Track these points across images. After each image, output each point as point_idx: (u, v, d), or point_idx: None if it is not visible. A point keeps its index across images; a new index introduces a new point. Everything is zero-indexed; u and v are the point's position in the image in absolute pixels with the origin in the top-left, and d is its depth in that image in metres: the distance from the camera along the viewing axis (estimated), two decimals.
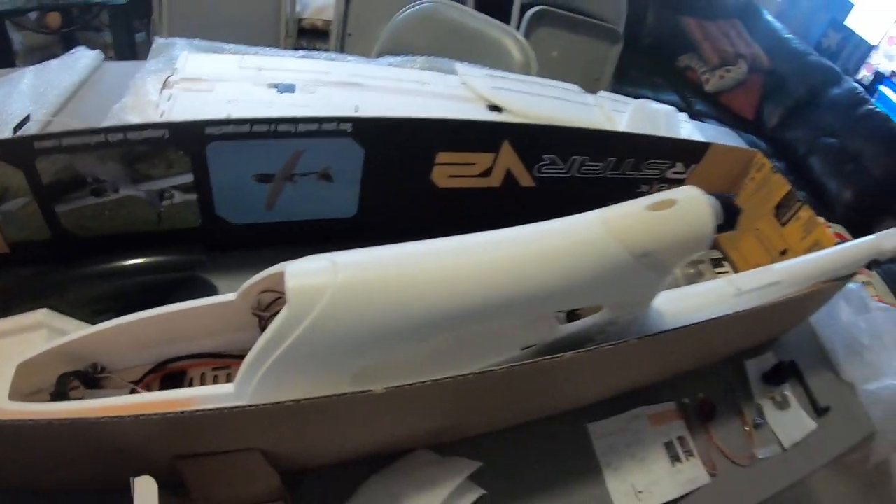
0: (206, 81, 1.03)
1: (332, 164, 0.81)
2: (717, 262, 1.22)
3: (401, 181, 0.90)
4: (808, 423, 1.03)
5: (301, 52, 1.35)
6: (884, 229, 1.04)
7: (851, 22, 4.05)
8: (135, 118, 0.99)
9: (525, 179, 0.97)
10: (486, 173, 0.93)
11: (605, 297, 0.66)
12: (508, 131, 0.91)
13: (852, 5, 4.04)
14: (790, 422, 1.01)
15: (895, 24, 4.20)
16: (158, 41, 1.25)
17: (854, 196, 2.98)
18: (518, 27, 2.62)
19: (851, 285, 1.38)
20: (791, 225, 1.14)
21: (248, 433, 0.54)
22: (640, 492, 0.80)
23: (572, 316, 0.74)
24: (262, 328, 0.60)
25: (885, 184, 2.94)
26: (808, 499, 2.22)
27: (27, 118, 1.00)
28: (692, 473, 0.85)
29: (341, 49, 2.47)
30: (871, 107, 3.17)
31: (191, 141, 0.75)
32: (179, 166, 0.76)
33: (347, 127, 0.79)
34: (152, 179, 0.77)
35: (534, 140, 0.94)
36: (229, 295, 0.62)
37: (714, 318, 0.73)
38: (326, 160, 0.81)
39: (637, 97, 3.04)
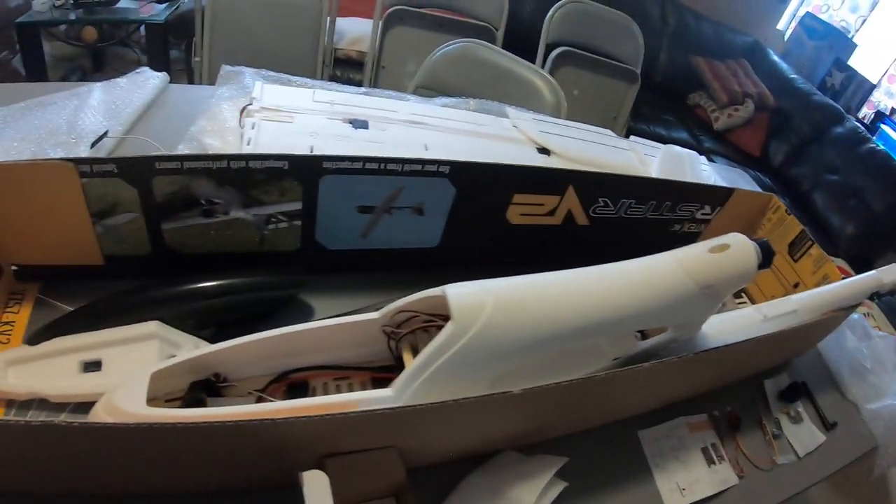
0: (286, 112, 1.09)
1: (426, 200, 0.90)
2: (737, 294, 1.37)
3: (481, 217, 0.99)
4: (819, 436, 1.17)
5: (363, 89, 1.44)
6: (885, 262, 1.19)
7: (854, 62, 4.24)
8: (215, 142, 1.06)
9: (581, 219, 1.08)
10: (552, 213, 1.04)
11: (674, 319, 0.82)
12: (573, 177, 1.02)
13: (856, 45, 4.23)
14: (803, 434, 1.15)
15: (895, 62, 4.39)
16: (226, 68, 1.32)
17: (856, 230, 3.15)
18: (543, 66, 2.76)
19: (854, 315, 1.54)
20: (803, 261, 1.29)
21: (392, 432, 0.62)
22: (683, 489, 0.93)
23: (643, 335, 0.90)
24: (391, 344, 0.73)
25: (886, 219, 3.11)
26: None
27: (105, 134, 1.04)
28: (725, 475, 0.99)
29: (375, 80, 2.58)
30: (872, 145, 3.35)
31: (307, 173, 0.81)
32: (291, 195, 0.82)
33: (446, 169, 0.88)
34: (263, 205, 0.82)
35: (593, 185, 1.06)
36: (372, 314, 0.72)
37: (746, 340, 0.88)
38: (422, 196, 0.89)
39: (650, 134, 3.25)
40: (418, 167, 0.86)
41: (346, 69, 2.84)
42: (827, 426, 1.22)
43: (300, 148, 1.01)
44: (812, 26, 4.23)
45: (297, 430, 0.56)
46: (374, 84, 2.60)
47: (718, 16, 4.00)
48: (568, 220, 1.09)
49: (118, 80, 1.22)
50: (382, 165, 0.84)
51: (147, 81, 1.24)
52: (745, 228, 1.38)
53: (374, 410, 0.58)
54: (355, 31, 2.87)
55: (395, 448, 0.63)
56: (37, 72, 2.63)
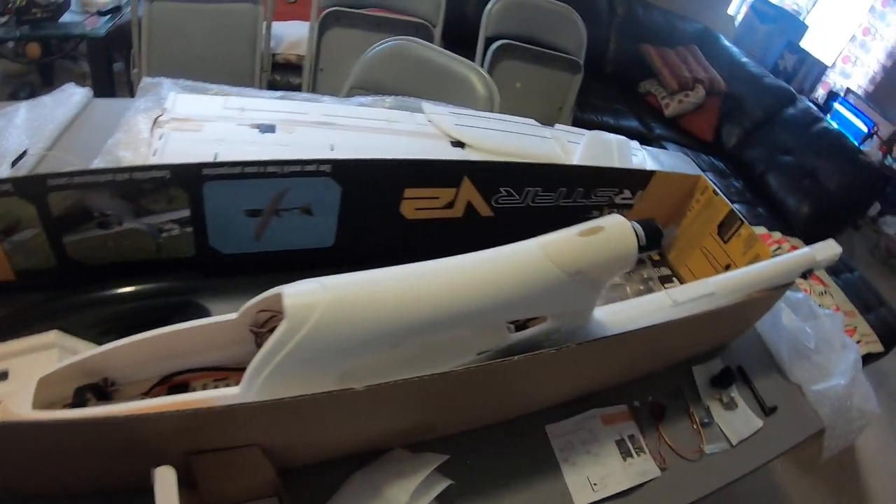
0: (195, 122, 1.09)
1: (313, 200, 0.90)
2: (667, 279, 1.32)
3: (373, 214, 0.98)
4: (755, 422, 1.12)
5: (279, 93, 1.41)
6: (842, 240, 1.14)
7: (806, 44, 4.23)
8: (128, 154, 1.05)
9: (484, 210, 1.05)
10: (450, 205, 1.01)
11: (546, 309, 0.76)
12: (468, 168, 0.99)
13: (807, 27, 4.22)
14: (737, 421, 1.10)
15: (849, 43, 4.40)
16: (146, 80, 1.30)
17: (811, 210, 3.12)
18: (482, 60, 2.71)
19: (798, 295, 1.49)
20: (733, 242, 1.24)
21: (249, 429, 0.63)
22: (595, 484, 0.88)
23: (523, 327, 0.83)
24: (258, 343, 0.70)
25: (840, 197, 3.08)
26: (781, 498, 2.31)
27: (24, 153, 1.05)
28: (643, 467, 0.93)
29: (313, 83, 2.54)
30: (824, 125, 3.33)
31: (189, 180, 0.82)
32: (178, 202, 0.83)
33: (327, 168, 0.87)
34: (154, 214, 0.84)
35: (491, 175, 1.02)
36: (231, 315, 0.69)
37: (650, 326, 0.83)
38: (308, 197, 0.89)
39: (599, 124, 3.20)
40: (298, 168, 0.85)
41: (286, 73, 2.81)
42: (766, 411, 1.16)
43: (205, 156, 1.00)
44: (763, 10, 4.22)
45: (153, 427, 0.57)
46: (313, 87, 2.55)
47: (668, 4, 3.98)
48: (470, 212, 1.05)
49: (43, 97, 1.23)
50: (262, 168, 0.84)
51: (70, 98, 1.25)
52: (673, 211, 1.34)
53: (217, 407, 0.58)
54: (294, 34, 2.82)
55: (257, 446, 0.64)
56: None
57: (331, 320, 0.60)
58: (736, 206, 1.27)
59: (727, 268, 1.24)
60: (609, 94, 3.62)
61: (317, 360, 0.61)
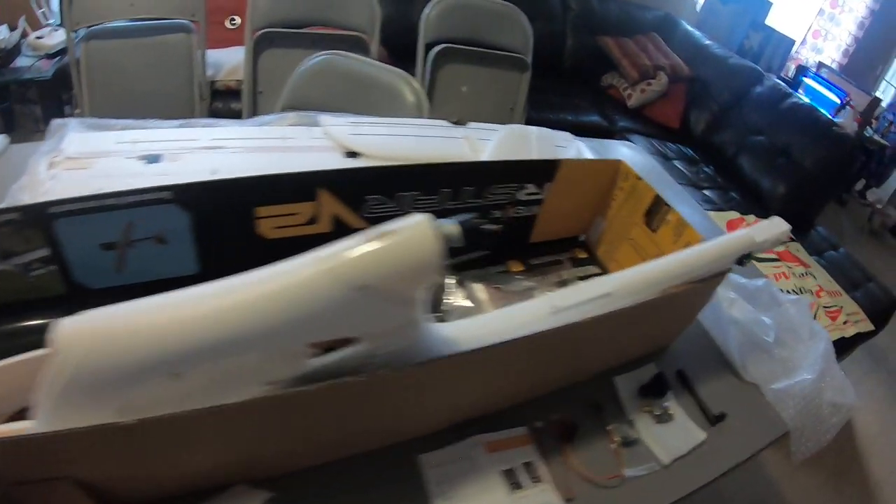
0: (85, 159, 1.08)
1: (163, 228, 0.85)
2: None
3: (230, 237, 0.91)
4: (697, 434, 0.97)
5: (178, 122, 1.35)
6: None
7: (772, 21, 4.11)
8: (26, 197, 1.02)
9: (355, 222, 0.96)
10: (312, 221, 0.93)
11: (342, 330, 0.64)
12: (322, 179, 0.91)
13: (771, 4, 4.10)
14: (673, 435, 0.96)
15: (818, 17, 4.27)
16: (54, 122, 1.26)
17: (788, 189, 2.97)
18: (423, 67, 2.60)
19: (758, 282, 1.34)
20: (662, 230, 1.10)
21: (54, 461, 0.59)
22: None
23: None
24: None
25: (817, 172, 2.93)
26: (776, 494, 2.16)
27: None
28: (539, 499, 0.80)
29: (254, 107, 2.47)
30: (794, 100, 3.19)
31: (40, 220, 0.80)
32: (35, 242, 0.82)
33: (167, 195, 0.82)
34: (18, 255, 0.82)
35: (353, 184, 0.93)
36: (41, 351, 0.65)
37: (513, 340, 0.71)
38: (157, 226, 0.84)
39: (557, 122, 3.07)
40: (138, 198, 0.82)
41: (228, 100, 2.78)
42: (711, 419, 1.02)
43: (90, 192, 0.96)
44: None
45: None
46: (254, 111, 2.48)
47: None
48: (339, 226, 0.95)
49: None
50: (102, 202, 0.82)
51: None
52: (597, 201, 1.22)
53: (9, 437, 0.55)
54: (233, 60, 2.77)
55: (70, 479, 0.61)
56: None
57: (100, 350, 0.56)
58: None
59: None
60: (569, 90, 3.49)
61: (93, 392, 0.57)
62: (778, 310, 1.29)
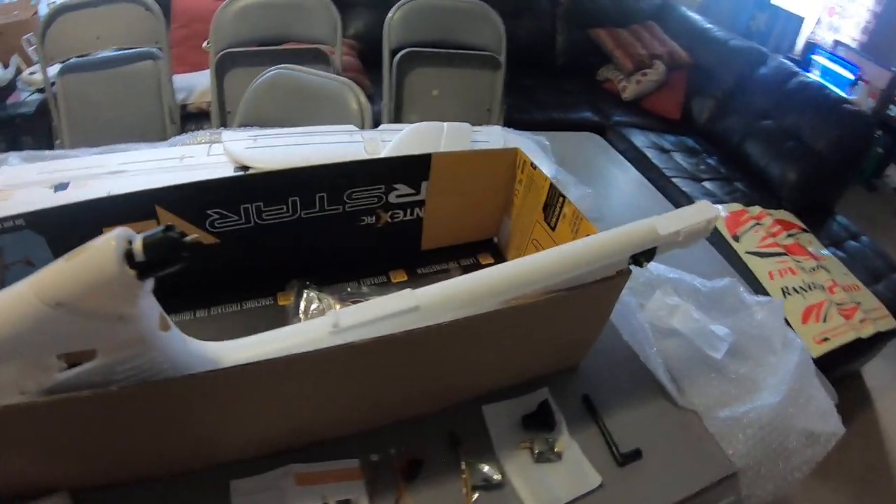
0: (9, 190, 1.12)
1: (28, 252, 0.85)
2: None
3: None
4: (590, 478, 0.78)
5: (100, 149, 1.40)
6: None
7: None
8: None
9: (205, 237, 0.90)
10: None
11: (75, 344, 0.61)
12: (156, 197, 0.85)
13: None
14: (555, 478, 0.77)
15: None
16: (3, 157, 1.32)
17: (799, 176, 2.72)
18: (389, 74, 2.47)
19: (721, 282, 1.14)
20: (560, 225, 0.93)
21: None
22: None
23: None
24: None
25: (830, 156, 2.68)
26: None
27: None
28: None
29: (223, 127, 2.40)
30: (801, 78, 2.95)
31: None
32: None
33: (20, 222, 0.82)
34: None
35: (187, 199, 0.87)
36: None
37: (278, 359, 0.63)
38: (22, 250, 0.84)
39: (545, 121, 2.88)
40: None
41: (200, 122, 2.73)
42: (619, 459, 0.82)
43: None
44: None
45: None
46: None
47: None
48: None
49: None
50: None
51: None
52: (501, 199, 1.04)
53: None
54: (204, 83, 2.70)
55: None
56: None
57: None
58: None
59: None
60: (561, 87, 3.33)
61: None
62: (742, 315, 1.09)
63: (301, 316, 0.92)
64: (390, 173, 0.94)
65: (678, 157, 2.90)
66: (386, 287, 1.00)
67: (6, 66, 2.91)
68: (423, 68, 2.53)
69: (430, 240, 1.06)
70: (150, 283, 0.58)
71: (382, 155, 1.20)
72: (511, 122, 2.69)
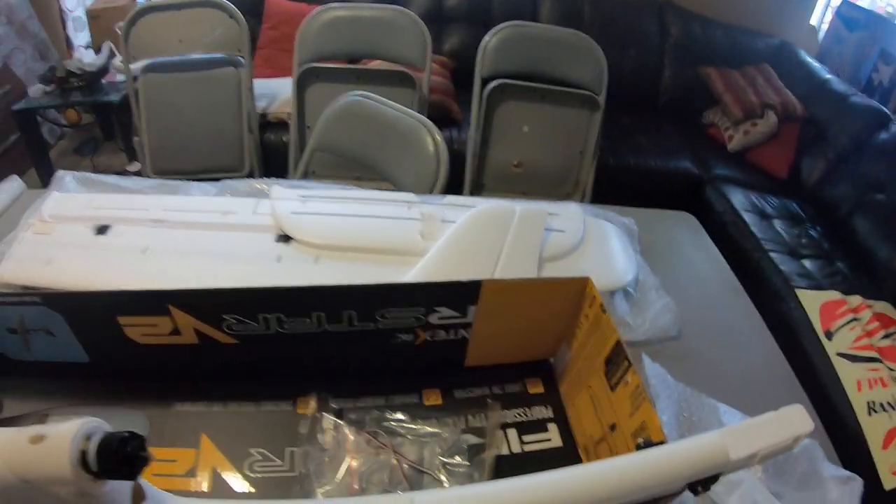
0: (52, 223, 1.15)
1: (47, 323, 0.84)
2: (536, 425, 0.90)
3: (105, 338, 0.86)
4: None
5: (155, 183, 1.37)
6: None
7: None
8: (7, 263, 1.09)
9: (222, 337, 0.83)
10: (175, 332, 0.83)
11: None
12: (170, 298, 0.80)
13: None
14: None
15: None
16: (59, 174, 1.33)
17: None
18: (479, 104, 2.35)
19: (803, 443, 0.97)
20: (620, 391, 0.78)
21: None
22: None
23: None
24: None
25: None
26: None
27: None
28: None
29: (301, 141, 2.42)
30: None
31: None
32: None
33: (37, 300, 0.82)
34: None
35: (203, 303, 0.81)
36: None
37: None
38: (42, 321, 0.84)
39: (638, 168, 2.70)
40: (17, 299, 0.84)
41: (279, 132, 2.73)
42: None
43: (38, 260, 1.08)
44: (851, 16, 3.52)
45: None
46: (301, 145, 2.42)
47: (734, 18, 3.42)
48: (206, 340, 0.84)
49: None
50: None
51: (6, 190, 1.33)
52: (562, 324, 0.92)
53: None
54: (285, 93, 2.62)
55: None
56: (39, 153, 3.07)
57: None
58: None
59: (613, 428, 0.79)
60: (661, 129, 3.12)
61: None
62: (816, 493, 0.92)
63: (319, 437, 0.81)
64: (431, 298, 0.82)
65: (779, 225, 2.64)
66: (416, 409, 0.88)
67: (99, 50, 3.11)
68: (516, 101, 2.40)
69: (475, 358, 0.93)
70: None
71: (441, 242, 1.08)
72: (605, 169, 2.57)
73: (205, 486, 0.78)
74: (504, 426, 0.87)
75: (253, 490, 0.78)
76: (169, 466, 0.80)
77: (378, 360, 0.90)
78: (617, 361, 0.78)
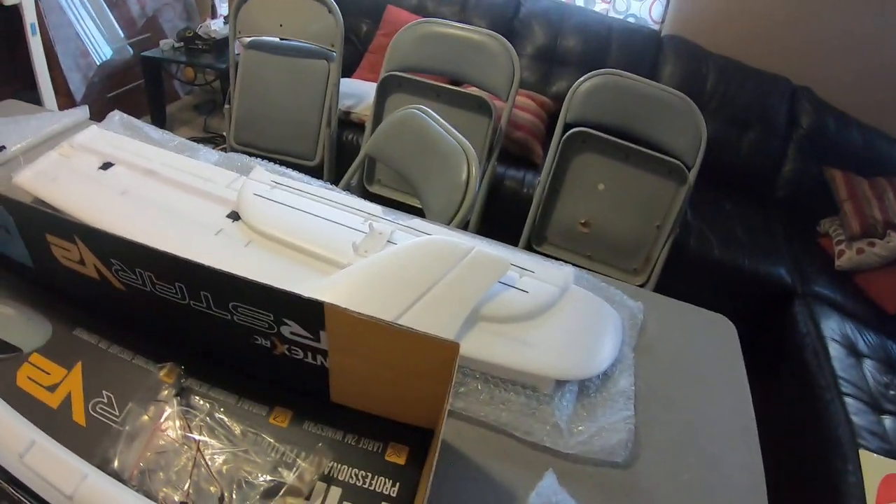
0: (74, 150, 1.26)
1: (6, 223, 0.87)
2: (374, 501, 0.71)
3: (41, 251, 0.89)
4: None
5: (178, 141, 1.44)
6: None
7: None
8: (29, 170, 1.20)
9: (114, 281, 0.84)
10: (82, 263, 0.85)
11: None
12: (75, 228, 0.82)
13: None
14: None
15: None
16: (110, 114, 1.46)
17: None
18: (556, 150, 2.19)
19: None
20: None
21: None
22: None
23: None
24: None
25: None
26: None
27: (3, 147, 1.28)
28: None
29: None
30: None
31: None
32: None
33: None
34: None
35: (95, 239, 0.81)
36: None
37: None
38: (3, 220, 0.87)
39: (721, 262, 2.41)
40: None
41: (357, 133, 2.75)
42: None
43: (48, 177, 1.19)
44: None
45: None
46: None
47: (875, 120, 3.03)
48: (103, 278, 0.85)
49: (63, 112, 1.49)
50: None
51: (66, 116, 1.47)
52: (440, 395, 0.71)
53: None
54: (373, 96, 2.58)
55: None
56: (156, 99, 3.49)
57: None
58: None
59: None
60: (766, 226, 2.78)
61: None
62: None
63: (150, 405, 0.79)
64: (277, 305, 0.71)
65: (869, 367, 2.22)
66: (256, 421, 0.78)
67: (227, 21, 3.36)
68: (596, 155, 2.21)
69: (340, 396, 0.79)
70: None
71: (367, 260, 0.97)
72: (681, 251, 2.32)
73: (53, 405, 0.79)
74: (329, 481, 0.72)
75: (82, 425, 0.77)
76: (42, 375, 0.82)
77: (238, 355, 0.82)
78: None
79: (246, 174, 1.24)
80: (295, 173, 1.32)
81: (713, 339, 1.18)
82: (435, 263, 0.93)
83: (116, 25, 3.25)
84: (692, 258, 2.49)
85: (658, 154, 2.12)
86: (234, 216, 1.13)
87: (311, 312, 0.68)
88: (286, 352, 0.76)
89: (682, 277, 2.14)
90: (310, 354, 0.74)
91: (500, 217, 2.40)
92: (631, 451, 0.86)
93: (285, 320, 0.71)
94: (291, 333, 0.72)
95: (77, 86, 3.06)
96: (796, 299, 2.44)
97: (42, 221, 0.84)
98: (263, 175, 1.24)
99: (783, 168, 2.97)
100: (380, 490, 0.71)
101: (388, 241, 1.03)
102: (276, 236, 1.07)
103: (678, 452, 0.90)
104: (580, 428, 0.88)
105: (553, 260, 1.14)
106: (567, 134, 2.14)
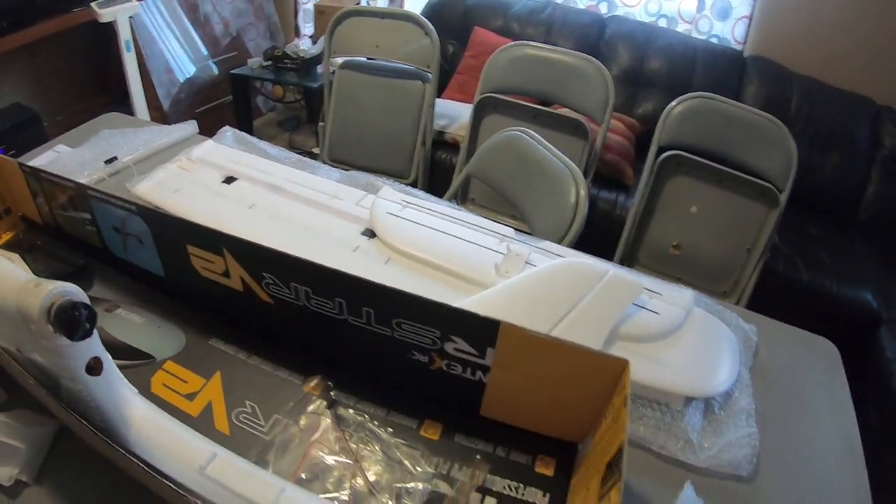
0: (196, 164, 1.35)
1: (140, 231, 0.97)
2: None
3: (178, 260, 0.96)
4: None
5: (294, 158, 1.51)
6: None
7: None
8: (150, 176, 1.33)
9: (261, 294, 0.90)
10: (226, 274, 0.92)
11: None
12: (224, 240, 0.88)
13: None
14: None
15: None
16: (222, 129, 1.56)
17: None
18: (650, 172, 2.24)
19: None
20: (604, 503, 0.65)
21: None
22: None
23: None
24: None
25: None
26: None
27: (114, 158, 1.39)
28: None
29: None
30: None
31: (84, 195, 1.01)
32: (83, 207, 1.04)
33: (133, 208, 0.96)
34: (78, 211, 1.06)
35: (250, 254, 0.88)
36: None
37: None
38: (137, 228, 0.97)
39: (805, 286, 2.39)
40: (122, 202, 0.97)
41: (452, 153, 2.79)
42: None
43: (169, 188, 1.29)
44: None
45: None
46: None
47: None
48: (249, 291, 0.92)
49: (170, 126, 1.60)
50: (109, 198, 0.99)
51: (177, 130, 1.56)
52: (594, 407, 0.79)
53: None
54: (466, 116, 2.68)
55: None
56: (243, 115, 3.67)
57: None
58: None
59: None
60: (851, 250, 2.75)
61: None
62: None
63: (301, 417, 0.84)
64: (447, 323, 0.76)
65: None
66: (408, 434, 0.83)
67: (316, 41, 3.56)
68: (689, 178, 2.26)
69: (491, 409, 0.84)
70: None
71: (510, 281, 1.02)
72: (770, 275, 2.34)
73: (194, 413, 0.83)
74: (484, 492, 0.76)
75: (226, 434, 0.81)
76: (179, 383, 0.87)
77: (391, 370, 0.87)
78: (613, 469, 0.65)
79: (368, 192, 1.30)
80: (420, 192, 1.36)
81: (818, 360, 1.23)
82: (575, 285, 1.00)
83: (200, 44, 3.43)
84: (779, 281, 2.50)
85: (750, 177, 2.16)
86: (369, 234, 1.17)
87: (483, 330, 0.74)
88: (444, 367, 0.81)
89: (769, 301, 2.16)
90: (469, 370, 0.80)
91: (591, 238, 2.42)
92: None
93: (452, 337, 0.77)
94: (455, 350, 0.78)
95: (162, 101, 3.26)
96: (883, 325, 2.43)
97: (185, 232, 0.90)
98: (393, 194, 1.28)
99: (867, 191, 2.93)
100: (532, 500, 0.76)
101: (526, 263, 1.10)
102: (416, 255, 1.11)
103: (791, 471, 0.94)
104: (706, 443, 0.93)
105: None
106: (662, 157, 2.19)
